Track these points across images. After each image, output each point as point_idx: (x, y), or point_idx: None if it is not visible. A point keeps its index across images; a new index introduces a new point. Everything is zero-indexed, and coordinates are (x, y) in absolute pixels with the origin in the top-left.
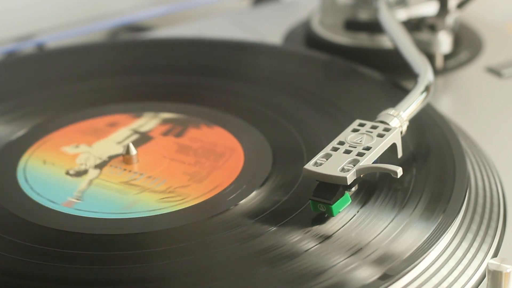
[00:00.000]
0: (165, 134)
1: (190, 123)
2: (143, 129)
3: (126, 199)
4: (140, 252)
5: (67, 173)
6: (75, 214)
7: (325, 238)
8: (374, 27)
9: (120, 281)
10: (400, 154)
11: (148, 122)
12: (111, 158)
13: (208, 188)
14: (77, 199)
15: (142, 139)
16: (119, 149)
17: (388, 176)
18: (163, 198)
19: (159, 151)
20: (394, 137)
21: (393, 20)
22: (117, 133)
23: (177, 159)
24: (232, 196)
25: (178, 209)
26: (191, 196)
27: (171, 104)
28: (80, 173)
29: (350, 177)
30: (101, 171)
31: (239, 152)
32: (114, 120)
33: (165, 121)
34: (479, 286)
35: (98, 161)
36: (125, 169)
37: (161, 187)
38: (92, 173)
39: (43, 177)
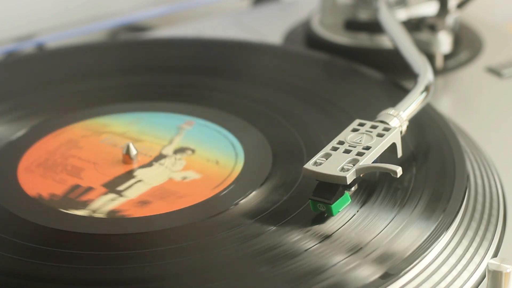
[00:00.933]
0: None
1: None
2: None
3: None
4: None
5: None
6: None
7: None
8: (374, 27)
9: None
10: (400, 154)
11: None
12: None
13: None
14: None
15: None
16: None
17: (388, 175)
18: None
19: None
20: (394, 137)
21: (393, 20)
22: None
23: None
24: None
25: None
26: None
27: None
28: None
29: (350, 177)
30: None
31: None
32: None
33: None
34: (479, 286)
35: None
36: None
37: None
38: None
39: None
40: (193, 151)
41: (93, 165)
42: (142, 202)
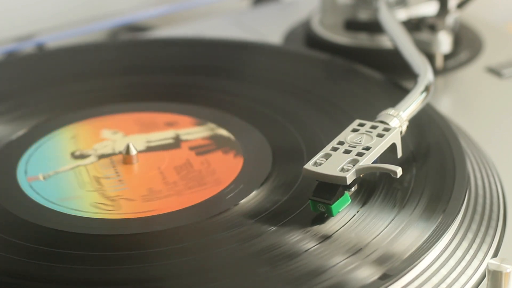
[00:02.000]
0: (192, 148)
1: (225, 146)
2: (185, 137)
3: (73, 192)
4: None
5: (73, 153)
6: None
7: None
8: (374, 27)
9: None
10: (399, 154)
11: (198, 132)
12: (119, 152)
13: (142, 209)
14: (43, 178)
15: (171, 145)
16: (141, 147)
17: (388, 176)
18: (98, 204)
19: (162, 161)
20: (394, 137)
21: (393, 20)
22: (160, 133)
23: (165, 173)
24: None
25: (101, 217)
26: (121, 210)
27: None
28: (81, 157)
29: (350, 177)
30: (96, 161)
31: (223, 184)
32: (175, 120)
33: (212, 137)
34: (479, 286)
35: (108, 152)
36: (114, 166)
37: (114, 193)
38: (89, 160)
39: (52, 150)
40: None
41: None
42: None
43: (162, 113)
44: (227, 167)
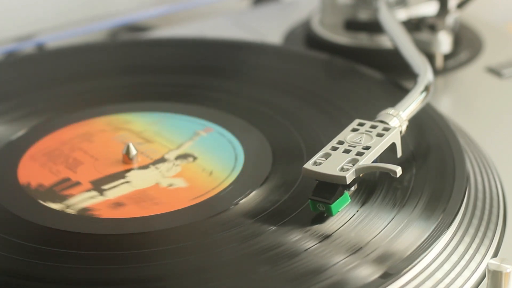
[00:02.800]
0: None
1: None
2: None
3: None
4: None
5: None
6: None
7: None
8: (374, 27)
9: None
10: (399, 153)
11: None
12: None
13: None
14: None
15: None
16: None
17: (387, 175)
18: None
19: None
20: (394, 137)
21: (393, 20)
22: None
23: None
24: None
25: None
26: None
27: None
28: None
29: (349, 177)
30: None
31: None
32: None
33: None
34: (479, 286)
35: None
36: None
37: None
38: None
39: None
40: (194, 158)
41: (93, 161)
42: (117, 203)
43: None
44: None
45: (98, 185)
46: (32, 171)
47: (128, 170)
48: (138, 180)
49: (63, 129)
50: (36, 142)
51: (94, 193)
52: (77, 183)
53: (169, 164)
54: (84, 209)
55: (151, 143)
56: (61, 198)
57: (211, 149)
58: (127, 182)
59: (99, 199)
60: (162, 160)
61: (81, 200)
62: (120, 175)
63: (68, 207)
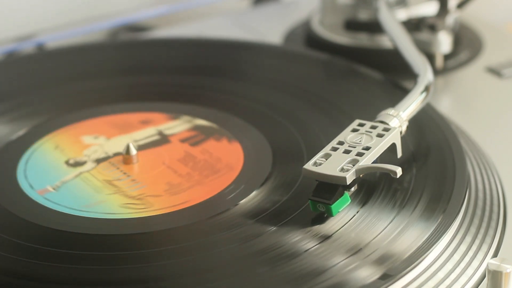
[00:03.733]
0: (183, 140)
1: (214, 134)
2: (169, 131)
3: (94, 198)
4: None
5: (67, 162)
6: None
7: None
8: (374, 27)
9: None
10: (399, 154)
11: (179, 125)
12: (115, 155)
13: (176, 202)
14: (54, 189)
15: (160, 141)
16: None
17: (388, 176)
18: (127, 204)
19: (163, 156)
20: (394, 137)
21: (393, 20)
22: (142, 132)
23: (173, 167)
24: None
25: (133, 217)
26: (154, 207)
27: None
28: (78, 164)
29: (350, 177)
30: (96, 166)
31: (236, 169)
32: (149, 118)
33: (194, 128)
34: (479, 286)
35: (102, 156)
36: (118, 168)
37: (135, 192)
38: (88, 166)
39: (44, 162)
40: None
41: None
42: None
43: (135, 113)
44: (229, 152)
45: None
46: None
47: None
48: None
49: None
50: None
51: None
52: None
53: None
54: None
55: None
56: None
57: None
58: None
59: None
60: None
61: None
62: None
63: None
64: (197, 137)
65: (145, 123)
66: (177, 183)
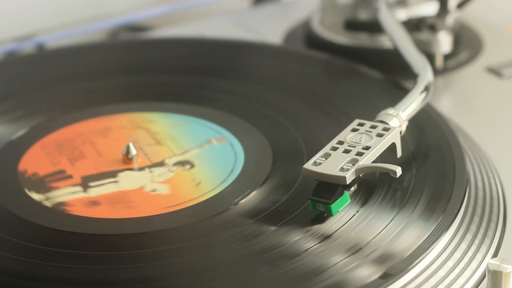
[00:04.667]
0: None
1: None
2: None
3: None
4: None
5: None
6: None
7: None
8: (374, 27)
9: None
10: (399, 154)
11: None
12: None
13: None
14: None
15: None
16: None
17: (387, 175)
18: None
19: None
20: (394, 137)
21: (393, 20)
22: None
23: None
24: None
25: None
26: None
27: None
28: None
29: (349, 177)
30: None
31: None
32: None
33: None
34: (479, 286)
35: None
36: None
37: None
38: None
39: None
40: (192, 166)
41: (96, 157)
42: (93, 202)
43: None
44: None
45: (86, 182)
46: (36, 159)
47: (122, 170)
48: (126, 181)
49: (85, 121)
50: (54, 131)
51: (78, 188)
52: (69, 177)
53: (165, 169)
54: (60, 203)
55: (160, 146)
56: (45, 189)
57: (213, 160)
58: (115, 182)
59: (80, 195)
60: (160, 164)
61: (63, 194)
62: (112, 174)
63: (47, 199)
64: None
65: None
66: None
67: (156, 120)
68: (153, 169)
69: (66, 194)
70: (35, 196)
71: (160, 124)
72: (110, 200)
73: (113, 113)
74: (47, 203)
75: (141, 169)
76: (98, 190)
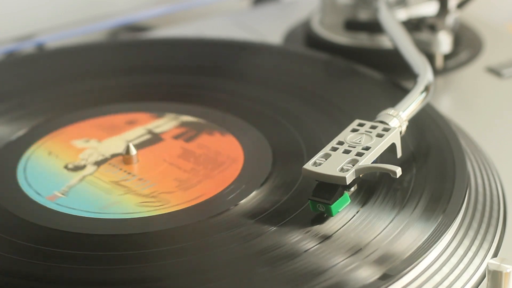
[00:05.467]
0: (176, 137)
1: (205, 129)
2: (158, 130)
3: (107, 199)
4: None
5: (66, 167)
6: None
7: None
8: (374, 27)
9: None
10: (399, 154)
11: (166, 123)
12: (113, 156)
13: (191, 197)
14: (62, 194)
15: (153, 140)
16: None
17: (388, 176)
18: (143, 202)
19: (161, 154)
20: (394, 137)
21: (393, 20)
22: (131, 132)
23: (176, 163)
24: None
25: (153, 214)
26: (171, 203)
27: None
28: (78, 168)
29: (349, 177)
30: (97, 168)
31: (239, 161)
32: (134, 118)
33: (182, 124)
34: (479, 286)
35: (99, 158)
36: (121, 169)
37: (147, 190)
38: (89, 169)
39: (42, 169)
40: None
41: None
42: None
43: (118, 114)
44: (226, 145)
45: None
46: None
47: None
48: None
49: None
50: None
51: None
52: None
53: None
54: None
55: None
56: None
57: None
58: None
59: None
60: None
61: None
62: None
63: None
64: (188, 133)
65: (130, 123)
66: (186, 179)
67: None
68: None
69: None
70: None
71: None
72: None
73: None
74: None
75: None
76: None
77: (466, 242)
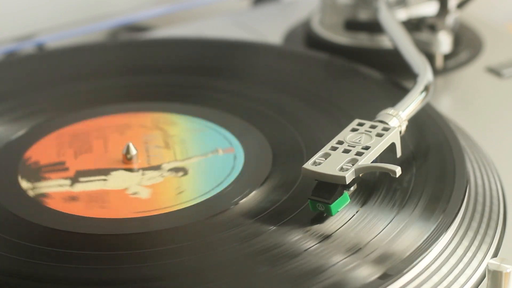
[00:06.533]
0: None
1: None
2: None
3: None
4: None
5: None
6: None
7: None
8: (374, 27)
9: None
10: (399, 153)
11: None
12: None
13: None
14: None
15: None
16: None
17: (387, 175)
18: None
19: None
20: (393, 137)
21: (393, 20)
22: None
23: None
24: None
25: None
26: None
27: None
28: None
29: (349, 177)
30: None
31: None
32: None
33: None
34: (479, 286)
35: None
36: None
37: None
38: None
39: None
40: (185, 174)
41: (102, 153)
42: (72, 198)
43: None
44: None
45: (77, 176)
46: (45, 148)
47: (117, 169)
48: (115, 180)
49: (109, 116)
50: (76, 123)
51: (67, 182)
52: (65, 169)
53: (158, 173)
54: (41, 195)
55: (167, 149)
56: (36, 179)
57: (209, 171)
58: (104, 180)
59: (64, 189)
60: (156, 167)
61: (50, 185)
62: (106, 172)
63: (33, 188)
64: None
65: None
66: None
67: (178, 123)
68: (146, 172)
69: (52, 186)
70: (24, 184)
71: (180, 126)
72: (88, 198)
73: (131, 111)
74: (31, 193)
75: (135, 170)
76: (84, 186)
77: (466, 242)
